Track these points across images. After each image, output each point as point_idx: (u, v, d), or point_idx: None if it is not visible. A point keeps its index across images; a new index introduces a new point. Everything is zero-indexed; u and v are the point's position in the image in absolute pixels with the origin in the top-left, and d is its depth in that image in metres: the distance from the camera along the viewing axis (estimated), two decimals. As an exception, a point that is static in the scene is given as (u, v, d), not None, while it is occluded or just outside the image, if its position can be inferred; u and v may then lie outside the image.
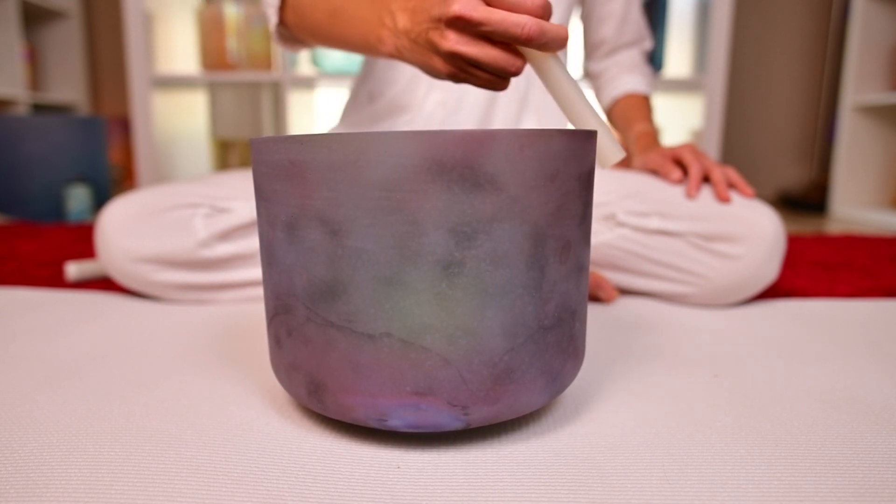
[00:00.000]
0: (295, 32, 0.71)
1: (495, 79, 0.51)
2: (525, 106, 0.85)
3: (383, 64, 0.83)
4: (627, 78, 0.94)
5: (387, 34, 0.55)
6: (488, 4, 0.47)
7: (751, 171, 2.41)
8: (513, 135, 0.36)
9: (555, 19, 0.86)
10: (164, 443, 0.42)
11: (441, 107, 0.82)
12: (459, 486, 0.37)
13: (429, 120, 0.82)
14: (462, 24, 0.47)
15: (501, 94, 0.83)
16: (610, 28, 0.94)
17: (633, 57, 0.95)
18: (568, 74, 0.49)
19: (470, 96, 0.82)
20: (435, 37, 0.49)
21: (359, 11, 0.59)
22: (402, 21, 0.53)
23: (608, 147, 0.47)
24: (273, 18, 0.71)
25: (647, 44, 0.97)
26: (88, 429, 0.44)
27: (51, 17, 2.27)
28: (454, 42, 0.48)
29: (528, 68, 0.85)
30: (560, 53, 0.86)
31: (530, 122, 0.86)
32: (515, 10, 0.46)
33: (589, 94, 1.91)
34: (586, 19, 0.97)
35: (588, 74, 1.00)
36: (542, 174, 0.37)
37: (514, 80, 0.84)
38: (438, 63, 0.51)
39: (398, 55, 0.56)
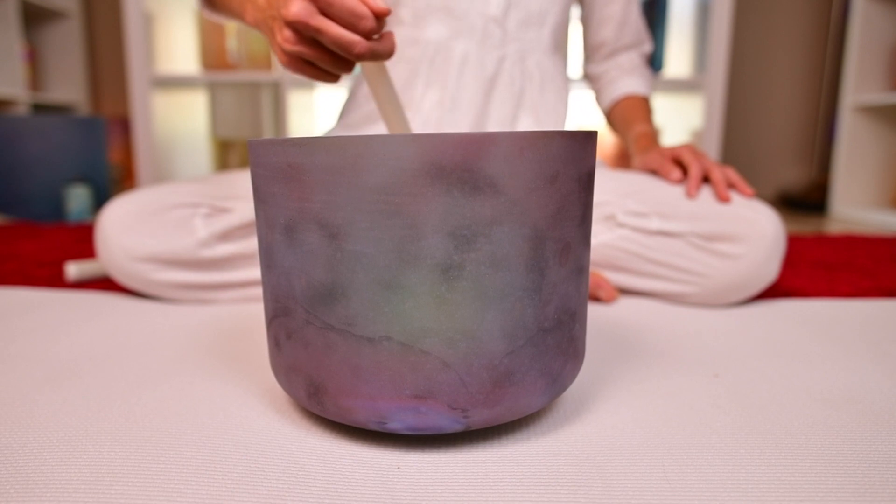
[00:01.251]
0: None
1: (326, 75, 0.56)
2: (521, 105, 0.86)
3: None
4: (627, 80, 0.94)
5: (250, 7, 0.60)
6: (323, 14, 0.51)
7: (751, 171, 2.41)
8: (512, 137, 0.36)
9: (551, 20, 0.86)
10: (164, 443, 0.42)
11: (438, 106, 0.82)
12: (459, 487, 0.37)
13: (426, 119, 0.82)
14: (300, 27, 0.51)
15: (497, 92, 0.84)
16: (609, 31, 0.94)
17: (632, 59, 0.96)
18: (389, 81, 0.56)
19: (465, 94, 0.82)
20: (276, 28, 0.54)
21: None
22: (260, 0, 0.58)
23: None
24: None
25: (647, 46, 0.97)
26: (88, 429, 0.44)
27: (51, 17, 2.27)
28: (290, 42, 0.52)
29: (521, 69, 0.85)
30: (538, 56, 0.86)
31: (526, 121, 0.86)
32: (349, 28, 0.50)
33: (588, 95, 1.91)
34: (586, 22, 0.97)
35: (588, 77, 1.00)
36: (541, 176, 0.37)
37: (509, 80, 0.84)
38: (278, 51, 0.55)
39: (257, 28, 0.61)
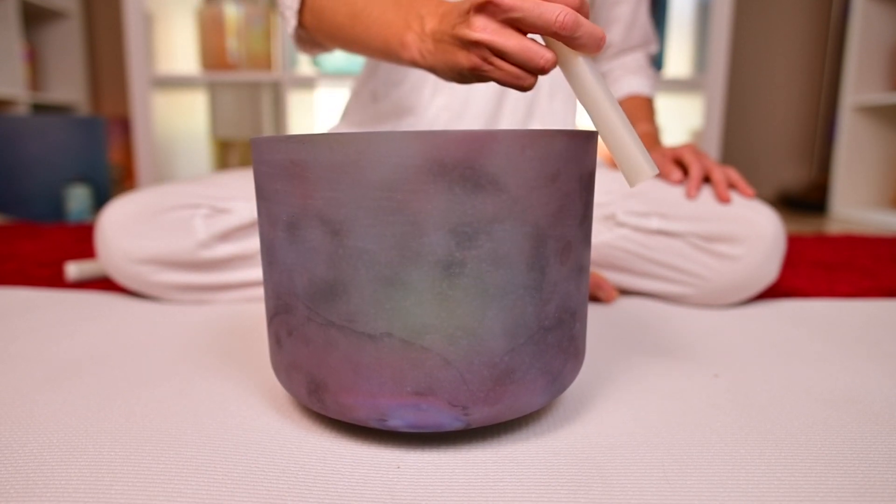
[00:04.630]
0: (313, 35, 0.69)
1: (521, 73, 0.48)
2: (531, 114, 0.85)
3: (388, 64, 0.83)
4: (631, 79, 0.94)
5: (412, 38, 0.54)
6: None
7: (751, 171, 2.41)
8: (514, 135, 0.36)
9: None
10: (164, 443, 0.42)
11: (445, 111, 0.81)
12: (459, 486, 0.37)
13: (432, 124, 0.82)
14: (492, 10, 0.45)
15: (508, 100, 0.83)
16: (617, 32, 0.94)
17: (638, 59, 0.96)
18: (601, 79, 0.44)
19: (475, 102, 0.81)
20: (461, 30, 0.48)
21: (383, 15, 0.58)
22: (431, 24, 0.52)
23: (639, 162, 0.42)
24: (292, 21, 0.69)
25: (653, 47, 0.97)
26: (88, 429, 0.44)
27: (51, 17, 2.27)
28: (480, 29, 0.46)
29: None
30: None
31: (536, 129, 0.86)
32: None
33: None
34: (594, 22, 0.97)
35: None
36: (543, 175, 0.37)
37: None
38: (462, 57, 0.49)
39: (420, 59, 0.54)
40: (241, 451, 0.41)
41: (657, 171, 0.42)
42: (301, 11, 0.69)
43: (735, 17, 2.31)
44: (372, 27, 0.59)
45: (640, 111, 0.92)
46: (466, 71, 0.50)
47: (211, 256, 0.75)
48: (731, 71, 2.34)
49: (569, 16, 0.42)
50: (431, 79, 0.81)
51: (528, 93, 0.84)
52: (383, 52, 0.59)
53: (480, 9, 0.46)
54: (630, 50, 0.96)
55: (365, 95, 0.86)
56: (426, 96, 0.81)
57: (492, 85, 0.81)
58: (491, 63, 0.48)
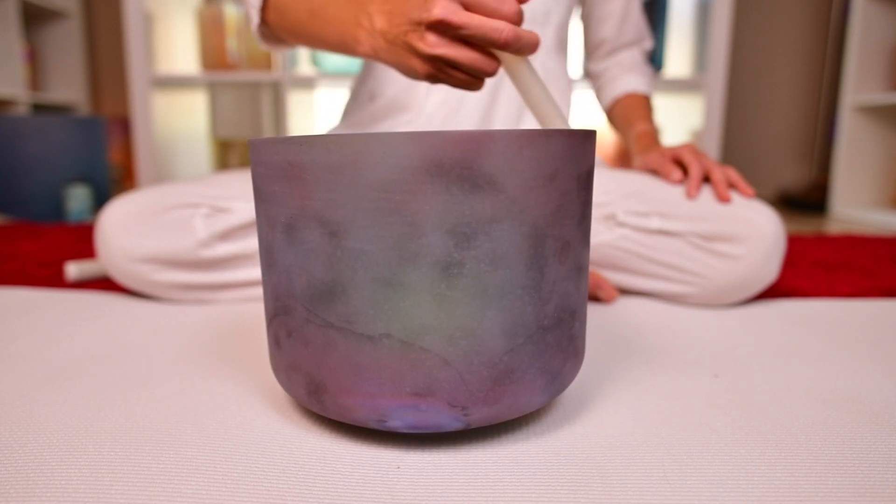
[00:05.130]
0: (276, 32, 0.72)
1: (471, 79, 0.54)
2: (525, 107, 0.86)
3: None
4: (627, 78, 0.94)
5: (363, 34, 0.58)
6: (466, 9, 0.50)
7: (751, 171, 2.41)
8: (511, 135, 0.36)
9: (554, 20, 0.86)
10: (164, 443, 0.42)
11: (442, 107, 0.82)
12: (459, 487, 0.37)
13: (429, 120, 0.82)
14: (443, 28, 0.50)
15: (502, 94, 0.84)
16: (610, 28, 0.94)
17: (633, 57, 0.95)
18: (537, 77, 0.53)
19: (471, 97, 0.82)
20: (414, 39, 0.52)
21: (337, 12, 0.61)
22: (380, 22, 0.55)
23: None
24: (255, 18, 0.72)
25: (648, 43, 0.97)
26: (88, 429, 0.44)
27: (51, 17, 2.27)
28: (434, 45, 0.51)
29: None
30: (541, 56, 0.86)
31: (531, 123, 0.86)
32: (492, 15, 0.49)
33: (589, 94, 1.91)
34: (586, 19, 0.97)
35: (588, 74, 1.00)
36: (540, 174, 0.37)
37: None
38: (417, 64, 0.53)
39: (374, 55, 0.58)
40: (241, 451, 0.41)
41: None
42: (264, 9, 0.72)
43: (735, 17, 2.31)
44: (328, 24, 0.62)
45: (638, 110, 0.92)
46: (421, 76, 0.54)
47: (211, 256, 0.76)
48: (731, 71, 2.34)
49: (510, 32, 0.49)
50: None
51: None
52: (340, 47, 0.62)
53: (432, 26, 0.50)
54: (624, 46, 0.96)
55: (363, 96, 0.87)
56: (422, 93, 0.82)
57: (486, 80, 0.82)
58: (445, 73, 0.53)
